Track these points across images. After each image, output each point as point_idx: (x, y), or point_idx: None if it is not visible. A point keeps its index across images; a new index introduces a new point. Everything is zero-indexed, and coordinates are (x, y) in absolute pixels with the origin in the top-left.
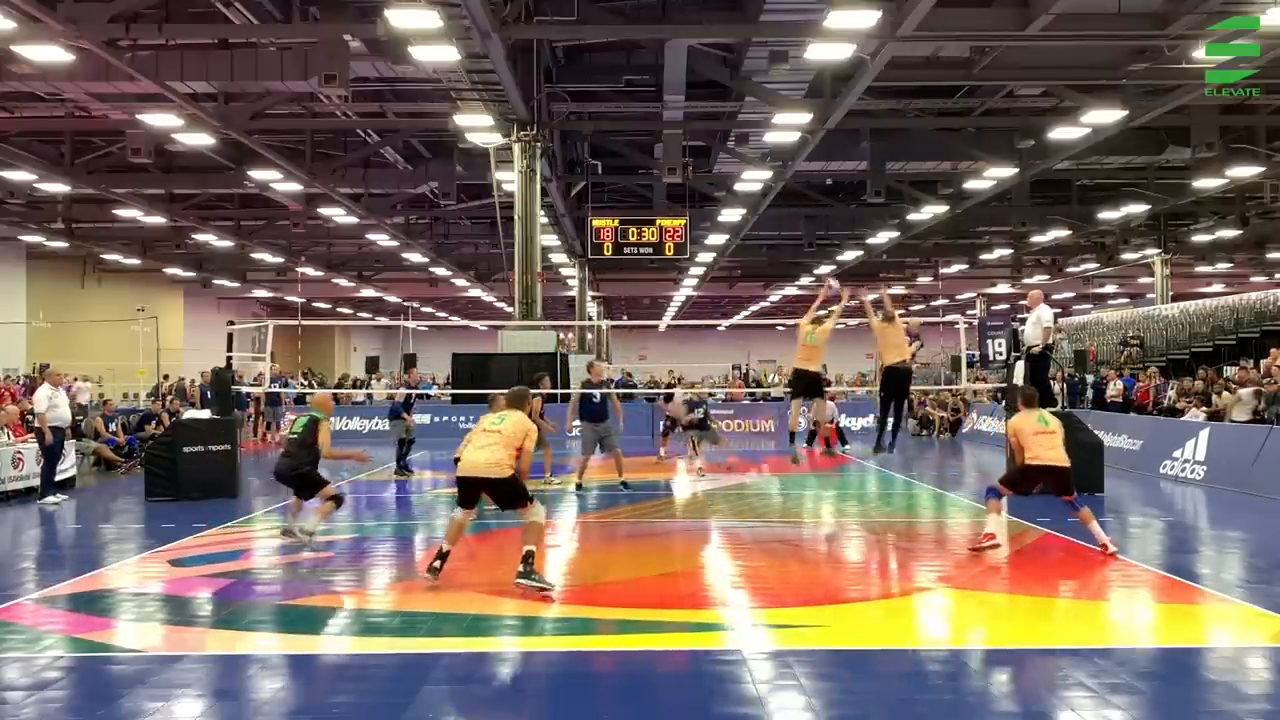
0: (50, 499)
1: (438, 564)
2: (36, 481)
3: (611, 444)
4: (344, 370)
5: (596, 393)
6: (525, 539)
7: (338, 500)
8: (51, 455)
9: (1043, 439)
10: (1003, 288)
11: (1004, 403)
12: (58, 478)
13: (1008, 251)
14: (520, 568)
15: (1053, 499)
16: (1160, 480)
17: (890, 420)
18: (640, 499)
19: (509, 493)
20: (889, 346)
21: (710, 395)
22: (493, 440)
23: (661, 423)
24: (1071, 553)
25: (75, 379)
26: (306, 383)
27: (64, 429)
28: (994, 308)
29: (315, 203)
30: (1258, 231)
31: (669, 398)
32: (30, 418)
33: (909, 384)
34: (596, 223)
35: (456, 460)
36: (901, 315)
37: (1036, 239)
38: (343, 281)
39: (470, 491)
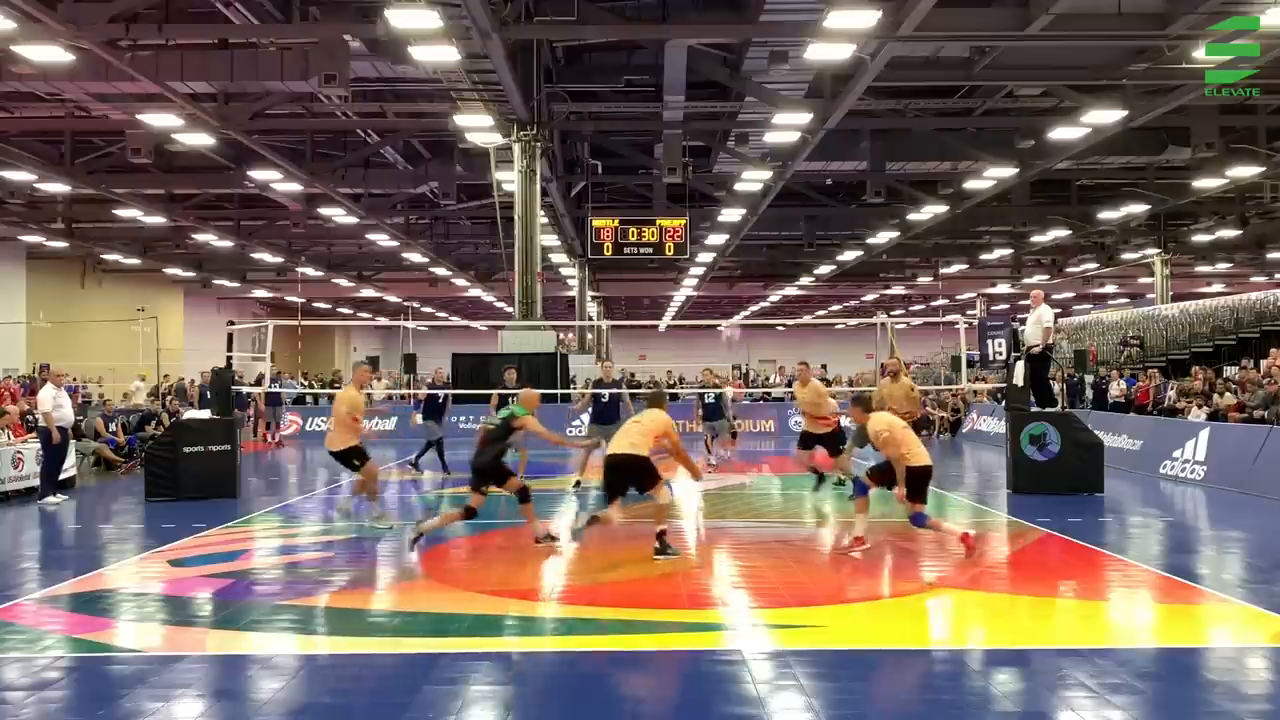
0: (51, 499)
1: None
2: (37, 481)
3: None
4: (343, 370)
5: (605, 393)
6: (657, 519)
7: (525, 493)
8: (54, 455)
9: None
10: (1003, 288)
11: (1004, 403)
12: (58, 478)
13: (1008, 251)
14: (656, 544)
15: (1049, 499)
16: (1160, 480)
17: None
18: (640, 499)
19: (642, 472)
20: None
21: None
22: (635, 430)
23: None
24: (1071, 553)
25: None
26: (306, 383)
27: (67, 429)
28: (994, 308)
29: (315, 203)
30: (1258, 231)
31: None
32: (31, 418)
33: None
34: (596, 223)
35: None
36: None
37: (1036, 239)
38: (343, 281)
39: (613, 475)
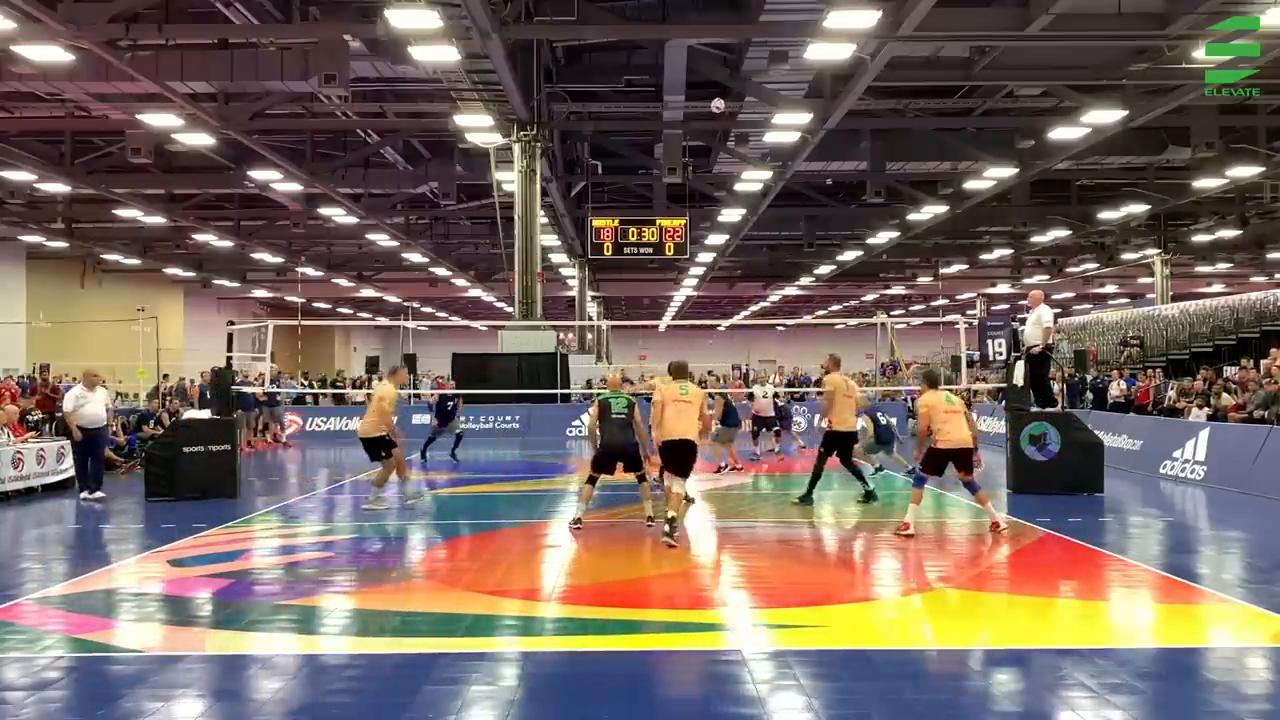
0: (86, 494)
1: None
2: (36, 482)
3: None
4: (344, 370)
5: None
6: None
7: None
8: (80, 452)
9: (951, 419)
10: (1003, 288)
11: (1004, 402)
12: (58, 478)
13: (1008, 251)
14: (665, 528)
15: (1049, 499)
16: (1160, 480)
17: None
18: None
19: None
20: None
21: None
22: (686, 409)
23: (751, 427)
24: (1071, 553)
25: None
26: (306, 383)
27: (99, 427)
28: (994, 308)
29: (315, 203)
30: (1258, 231)
31: (750, 396)
32: (30, 418)
33: None
34: (596, 223)
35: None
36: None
37: (1036, 239)
38: (343, 281)
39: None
